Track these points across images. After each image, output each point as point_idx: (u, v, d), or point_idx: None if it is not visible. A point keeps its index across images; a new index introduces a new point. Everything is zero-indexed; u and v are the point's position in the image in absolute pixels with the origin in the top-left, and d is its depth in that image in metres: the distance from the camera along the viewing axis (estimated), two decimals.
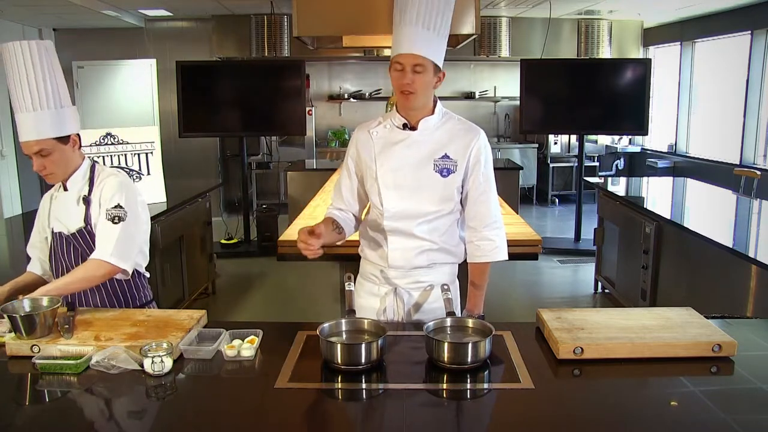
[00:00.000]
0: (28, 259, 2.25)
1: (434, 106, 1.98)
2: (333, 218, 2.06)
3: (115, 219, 2.06)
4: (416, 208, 1.96)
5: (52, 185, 2.19)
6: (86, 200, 2.10)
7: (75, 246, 2.12)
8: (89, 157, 2.20)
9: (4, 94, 7.40)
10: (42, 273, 2.22)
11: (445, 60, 1.93)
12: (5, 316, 1.76)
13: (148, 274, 2.29)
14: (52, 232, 2.16)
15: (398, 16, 1.89)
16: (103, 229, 2.07)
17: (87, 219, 2.10)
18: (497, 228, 2.02)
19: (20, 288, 2.08)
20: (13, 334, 1.76)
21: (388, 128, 2.00)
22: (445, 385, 1.59)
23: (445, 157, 1.95)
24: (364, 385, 1.59)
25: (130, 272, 2.12)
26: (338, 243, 2.09)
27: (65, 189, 2.14)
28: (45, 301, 1.87)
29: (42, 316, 1.77)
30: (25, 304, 1.84)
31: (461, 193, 2.01)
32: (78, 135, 2.10)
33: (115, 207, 2.07)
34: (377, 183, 1.98)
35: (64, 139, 2.04)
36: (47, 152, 2.01)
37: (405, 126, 1.98)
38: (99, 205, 2.10)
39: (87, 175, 2.14)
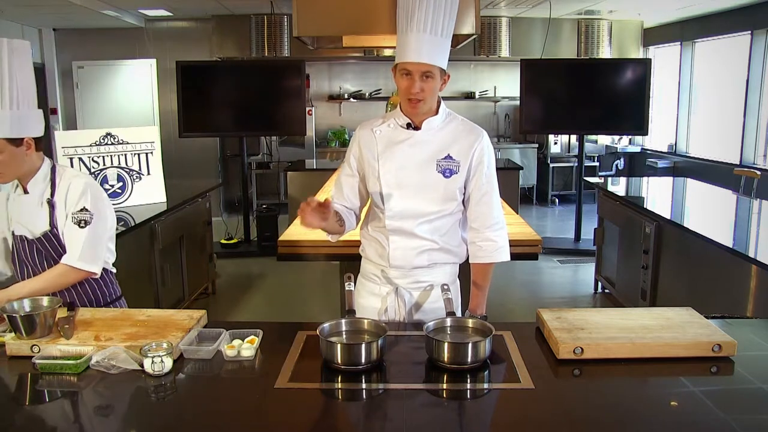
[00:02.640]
0: None
1: (438, 106, 1.98)
2: (335, 209, 2.05)
3: (81, 223, 2.07)
4: (418, 207, 1.96)
5: None
6: (50, 203, 2.09)
7: (39, 249, 2.11)
8: (49, 159, 2.16)
9: None
10: None
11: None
12: (5, 316, 1.76)
13: (114, 270, 2.29)
14: (13, 234, 2.14)
15: (404, 21, 1.87)
16: (69, 233, 2.07)
17: (53, 222, 2.09)
18: (499, 229, 2.02)
19: None
20: (13, 334, 1.76)
21: (392, 127, 2.00)
22: (445, 385, 1.59)
23: (448, 157, 1.95)
24: (364, 385, 1.59)
25: (99, 274, 2.13)
26: (335, 236, 2.07)
27: (25, 191, 2.11)
28: (45, 301, 1.87)
29: (42, 316, 1.77)
30: (25, 304, 1.84)
31: (463, 194, 2.01)
32: (35, 139, 2.06)
33: (81, 210, 2.07)
34: (379, 182, 1.98)
35: (16, 141, 2.00)
36: None
37: (409, 125, 1.97)
38: (65, 207, 2.09)
39: (48, 177, 2.11)
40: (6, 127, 1.97)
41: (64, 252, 2.10)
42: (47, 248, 2.10)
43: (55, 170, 2.14)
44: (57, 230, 2.10)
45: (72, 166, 4.05)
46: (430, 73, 1.85)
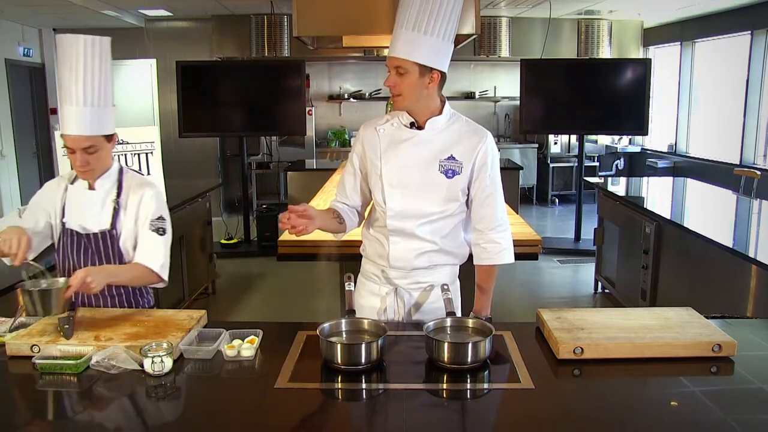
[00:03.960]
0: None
1: (442, 106, 1.97)
2: (335, 209, 2.06)
3: (160, 230, 2.10)
4: (419, 208, 1.96)
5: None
6: (117, 204, 2.07)
7: (88, 247, 2.06)
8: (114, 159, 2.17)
9: (4, 96, 7.40)
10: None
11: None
12: (20, 293, 1.75)
13: None
14: (63, 226, 2.09)
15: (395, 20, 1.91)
16: (149, 239, 2.08)
17: (114, 223, 2.07)
18: (503, 230, 2.02)
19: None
20: (13, 334, 1.76)
21: (395, 126, 1.99)
22: (445, 385, 1.59)
23: (451, 158, 1.94)
24: (364, 385, 1.59)
25: (167, 283, 2.15)
26: (337, 235, 2.09)
27: (91, 188, 2.08)
28: (61, 282, 1.86)
29: (59, 292, 1.76)
30: (42, 282, 1.84)
31: (467, 195, 2.00)
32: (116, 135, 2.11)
33: (159, 218, 2.11)
34: (381, 180, 1.97)
35: (109, 137, 2.04)
36: (95, 149, 1.98)
37: (412, 125, 1.97)
38: (136, 214, 2.09)
39: (116, 178, 2.11)
40: (106, 122, 2.00)
41: (115, 255, 2.08)
42: (99, 248, 2.06)
43: (123, 171, 2.14)
44: (116, 232, 2.07)
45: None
46: (401, 69, 1.85)
